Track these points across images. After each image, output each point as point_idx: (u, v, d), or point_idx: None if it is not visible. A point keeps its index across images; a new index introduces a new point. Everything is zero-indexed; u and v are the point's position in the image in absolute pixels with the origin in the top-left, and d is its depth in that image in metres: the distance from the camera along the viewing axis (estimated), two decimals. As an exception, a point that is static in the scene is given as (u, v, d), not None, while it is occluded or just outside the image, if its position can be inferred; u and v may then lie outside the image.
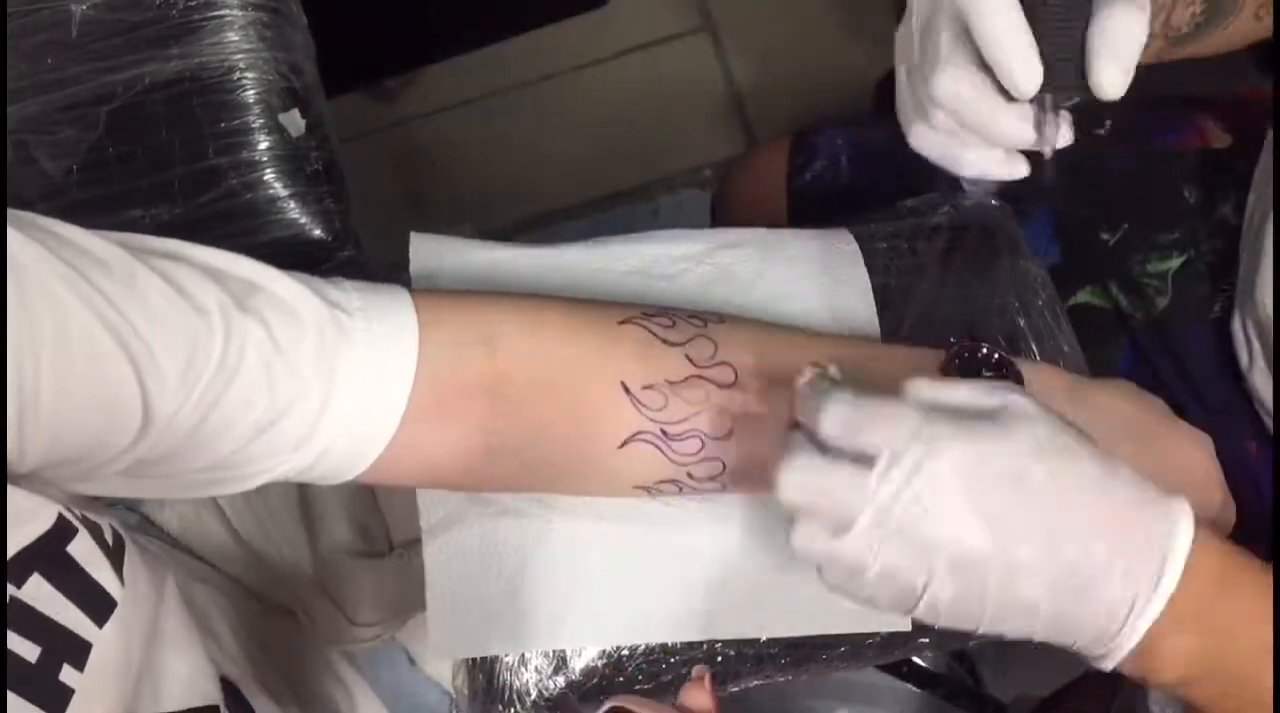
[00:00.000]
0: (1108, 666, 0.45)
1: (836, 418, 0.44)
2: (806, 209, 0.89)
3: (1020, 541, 0.43)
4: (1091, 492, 0.43)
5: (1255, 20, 0.63)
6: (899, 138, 0.88)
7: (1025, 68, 0.46)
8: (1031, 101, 0.49)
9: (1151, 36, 0.54)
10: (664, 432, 0.52)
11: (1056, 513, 0.43)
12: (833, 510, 0.43)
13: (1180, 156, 0.81)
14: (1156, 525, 0.44)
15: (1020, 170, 0.51)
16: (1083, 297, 0.79)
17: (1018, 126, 0.49)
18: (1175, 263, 0.78)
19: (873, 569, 0.43)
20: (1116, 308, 0.78)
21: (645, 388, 0.52)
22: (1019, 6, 0.47)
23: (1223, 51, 0.65)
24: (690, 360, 0.53)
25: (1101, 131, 0.84)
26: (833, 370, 0.47)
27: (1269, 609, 0.45)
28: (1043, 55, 0.47)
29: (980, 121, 0.49)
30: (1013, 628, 0.44)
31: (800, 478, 0.44)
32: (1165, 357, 0.76)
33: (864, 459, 0.43)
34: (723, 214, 1.01)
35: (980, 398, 0.45)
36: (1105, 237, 0.79)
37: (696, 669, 0.43)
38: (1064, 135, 0.50)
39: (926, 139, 0.51)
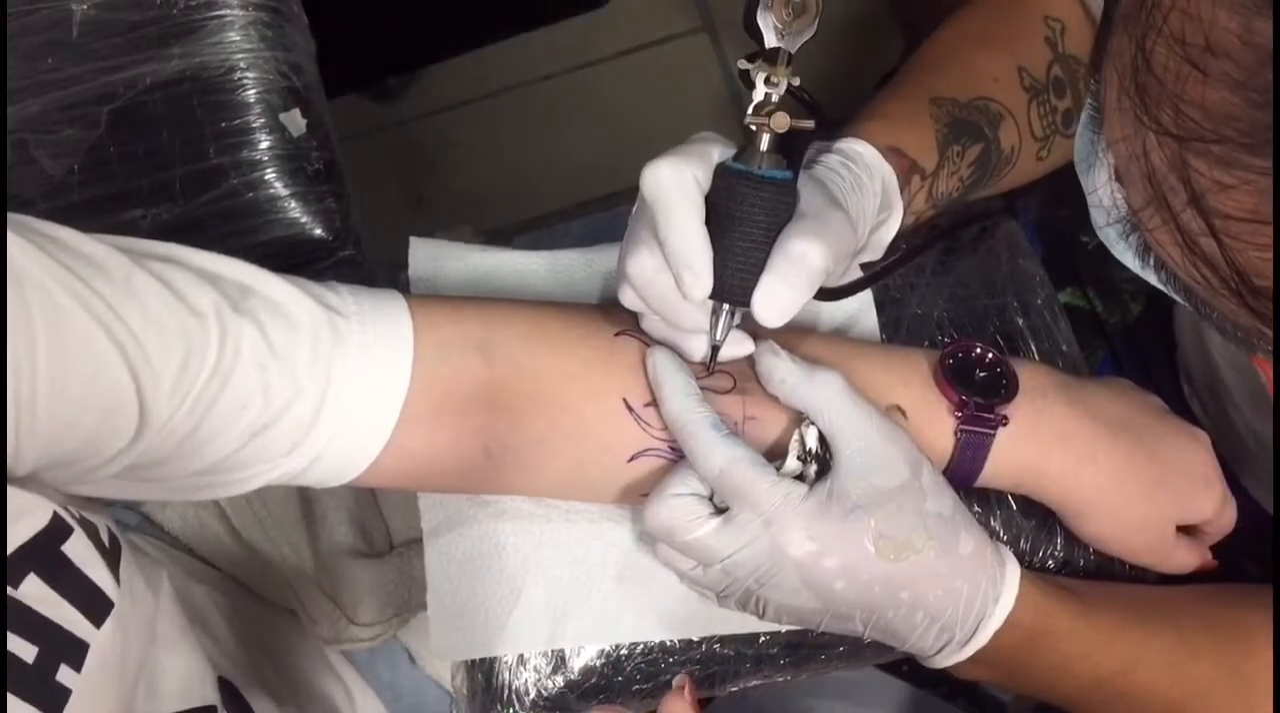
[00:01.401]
0: (924, 664, 0.54)
1: (711, 469, 0.49)
2: None
3: (845, 608, 0.50)
4: (921, 577, 0.50)
5: (1037, 161, 0.64)
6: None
7: (693, 278, 0.47)
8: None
9: (910, 213, 0.57)
10: (671, 448, 0.53)
11: (882, 594, 0.49)
12: (687, 553, 0.51)
13: None
14: (979, 597, 0.51)
15: (701, 350, 0.52)
16: (1064, 297, 0.79)
17: (693, 317, 0.50)
18: None
19: (721, 597, 0.52)
20: (1093, 311, 0.78)
21: (647, 405, 0.52)
22: (697, 216, 0.47)
23: (1010, 188, 0.65)
24: None
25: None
26: (810, 439, 0.52)
27: (1061, 663, 0.53)
28: (723, 267, 0.48)
29: (660, 306, 0.50)
30: (839, 634, 0.54)
31: (664, 517, 0.50)
32: (1134, 363, 0.76)
33: (725, 511, 0.50)
34: None
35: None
36: (1085, 239, 0.79)
37: (678, 679, 0.44)
38: (737, 343, 0.52)
39: (626, 299, 0.52)
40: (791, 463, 0.51)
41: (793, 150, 0.50)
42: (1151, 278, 0.42)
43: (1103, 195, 0.40)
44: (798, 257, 0.47)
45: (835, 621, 0.51)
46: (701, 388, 0.52)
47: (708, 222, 0.48)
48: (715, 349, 0.52)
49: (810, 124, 0.49)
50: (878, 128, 0.57)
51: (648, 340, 0.54)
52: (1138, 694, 0.53)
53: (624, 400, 0.52)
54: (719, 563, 0.50)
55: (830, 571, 0.49)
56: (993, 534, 0.60)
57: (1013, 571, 0.52)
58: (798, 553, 0.49)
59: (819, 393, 0.51)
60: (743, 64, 0.50)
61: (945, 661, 0.53)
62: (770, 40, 0.48)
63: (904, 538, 0.49)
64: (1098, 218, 0.43)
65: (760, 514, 0.49)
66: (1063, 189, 0.79)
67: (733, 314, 0.50)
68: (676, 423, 0.50)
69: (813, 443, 0.52)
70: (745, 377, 0.54)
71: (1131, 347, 0.77)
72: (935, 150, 0.59)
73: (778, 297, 0.47)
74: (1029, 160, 0.63)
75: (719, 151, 0.49)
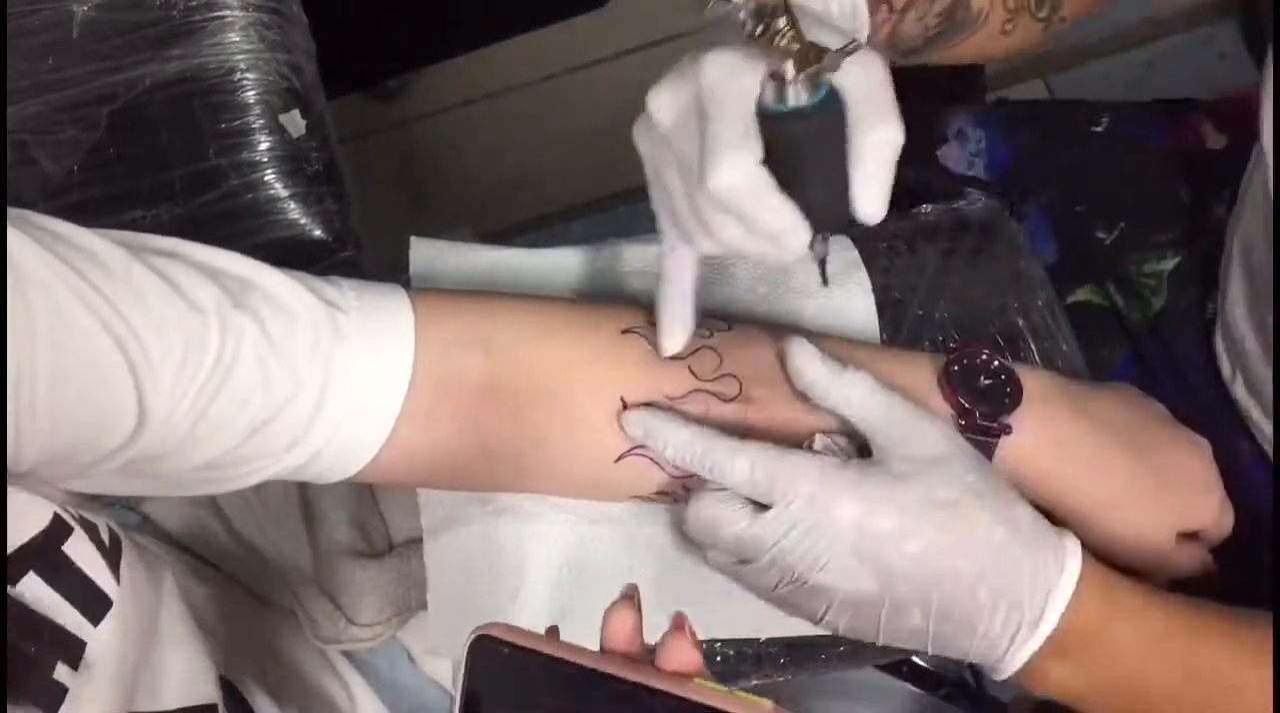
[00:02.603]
0: (998, 677, 0.50)
1: (742, 470, 0.48)
2: None
3: (904, 586, 0.48)
4: (978, 544, 0.48)
5: (1002, 35, 0.62)
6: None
7: (794, 237, 0.45)
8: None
9: (878, 45, 0.55)
10: None
11: (939, 563, 0.47)
12: (734, 550, 0.49)
13: (1175, 156, 0.81)
14: (1043, 570, 0.48)
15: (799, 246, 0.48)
16: (1081, 295, 0.79)
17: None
18: (1170, 263, 0.78)
19: (777, 592, 0.49)
20: (1114, 307, 0.78)
21: (645, 404, 0.52)
22: (762, 168, 0.44)
23: (969, 62, 0.64)
24: (693, 373, 0.53)
25: (1098, 128, 0.84)
26: (840, 441, 0.52)
27: (1147, 643, 0.49)
28: (813, 201, 0.45)
29: (763, 258, 0.48)
30: (905, 645, 0.50)
31: (704, 516, 0.49)
32: (1161, 358, 0.76)
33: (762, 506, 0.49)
34: None
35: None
36: (1102, 235, 0.79)
37: (675, 616, 0.36)
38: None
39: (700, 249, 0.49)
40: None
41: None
42: None
43: None
44: (876, 148, 0.44)
45: (894, 612, 0.48)
46: (704, 392, 0.52)
47: (776, 163, 0.44)
48: (824, 264, 0.50)
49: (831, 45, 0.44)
50: None
51: (654, 338, 0.53)
52: (1233, 681, 0.49)
53: (621, 399, 0.52)
54: (768, 554, 0.48)
55: (882, 534, 0.47)
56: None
57: (1072, 540, 0.50)
58: (847, 514, 0.47)
59: (848, 393, 0.51)
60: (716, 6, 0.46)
61: (1018, 655, 0.49)
62: None
63: (954, 499, 0.48)
64: None
65: (801, 490, 0.47)
66: (1080, 184, 0.79)
67: (826, 239, 0.48)
68: (684, 451, 0.50)
69: (828, 440, 0.52)
70: (753, 383, 0.53)
71: (1157, 342, 0.77)
72: None
73: (872, 196, 0.45)
74: (994, 31, 0.61)
75: (748, 84, 0.44)
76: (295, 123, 0.74)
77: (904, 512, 0.47)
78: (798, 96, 0.44)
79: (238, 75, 0.73)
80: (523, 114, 1.51)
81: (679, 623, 0.36)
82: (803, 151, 0.45)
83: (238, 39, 0.73)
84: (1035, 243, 0.79)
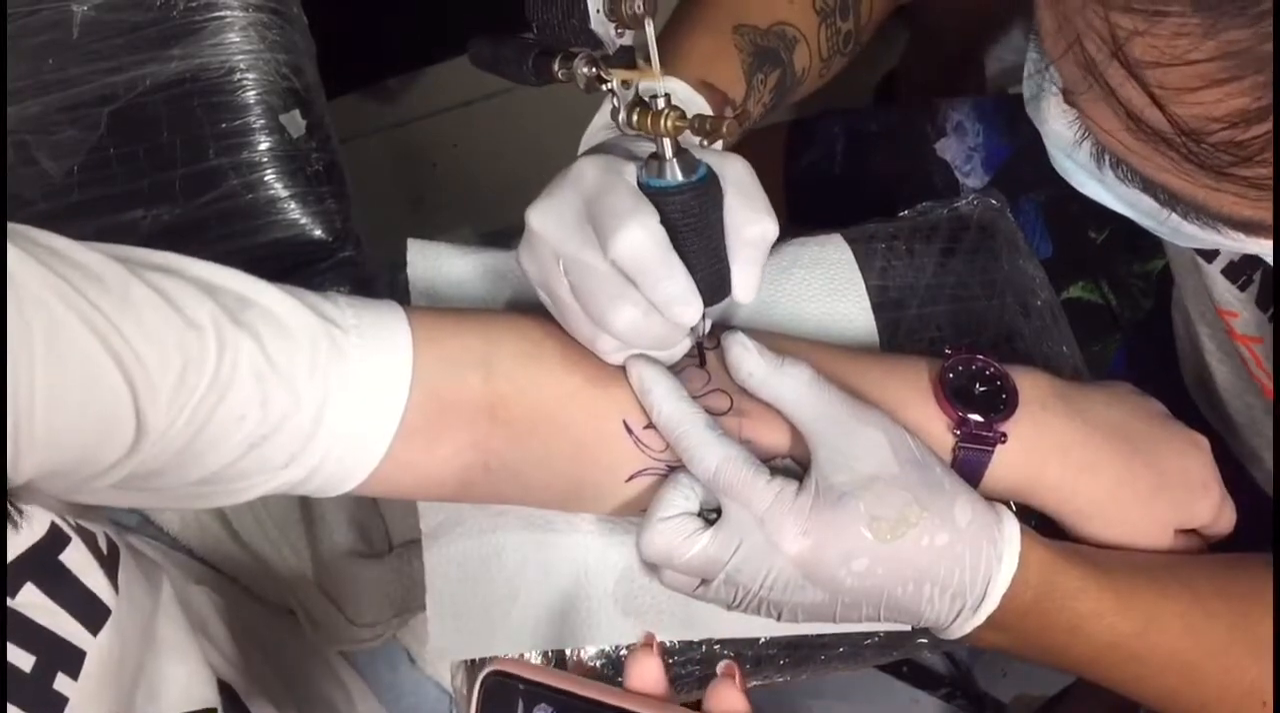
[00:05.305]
0: (946, 637, 0.53)
1: (707, 466, 0.49)
2: (802, 197, 0.89)
3: (853, 595, 0.50)
4: (922, 551, 0.49)
5: (819, 78, 0.68)
6: (895, 127, 0.89)
7: (687, 309, 0.47)
8: None
9: (732, 133, 0.58)
10: (669, 467, 0.53)
11: (886, 573, 0.49)
12: (687, 570, 0.51)
13: None
14: (984, 559, 0.50)
15: (685, 347, 0.53)
16: (1075, 291, 0.79)
17: (682, 337, 0.52)
18: (1158, 265, 0.78)
19: (733, 608, 0.52)
20: (1108, 305, 0.79)
21: (647, 428, 0.52)
22: (675, 257, 0.47)
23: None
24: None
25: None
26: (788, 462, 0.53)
27: (1073, 622, 0.52)
28: (695, 278, 0.48)
29: (653, 343, 0.51)
30: (859, 626, 0.53)
31: (660, 540, 0.50)
32: (1151, 357, 0.76)
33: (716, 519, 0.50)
34: None
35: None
36: (1093, 234, 0.79)
37: (723, 666, 0.39)
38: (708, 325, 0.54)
39: (607, 347, 0.51)
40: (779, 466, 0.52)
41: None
42: (1110, 199, 0.43)
43: (1054, 121, 0.42)
44: (758, 239, 0.48)
45: (846, 610, 0.51)
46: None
47: None
48: (701, 346, 0.53)
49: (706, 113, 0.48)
50: (687, 63, 0.59)
51: (651, 355, 0.54)
52: (1153, 656, 0.52)
53: (624, 422, 0.52)
54: (721, 574, 0.50)
55: (830, 562, 0.49)
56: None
57: (1011, 526, 0.52)
58: (794, 549, 0.49)
59: (786, 385, 0.51)
60: (584, 70, 0.48)
61: (961, 629, 0.52)
62: (614, 40, 0.47)
63: (897, 515, 0.49)
64: (1053, 150, 0.44)
65: (753, 511, 0.49)
66: (1069, 184, 0.80)
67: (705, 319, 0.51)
68: (670, 423, 0.50)
69: (788, 461, 0.52)
70: (742, 397, 0.54)
71: (1146, 341, 0.77)
72: (743, 80, 0.60)
73: (752, 279, 0.49)
74: (813, 79, 0.67)
75: (628, 172, 0.48)
76: (295, 123, 0.74)
77: (848, 539, 0.49)
78: (674, 174, 0.47)
79: (238, 75, 0.73)
80: (523, 114, 1.51)
81: (730, 672, 0.38)
82: (686, 225, 0.48)
83: (238, 39, 0.73)
84: (1030, 239, 0.80)
